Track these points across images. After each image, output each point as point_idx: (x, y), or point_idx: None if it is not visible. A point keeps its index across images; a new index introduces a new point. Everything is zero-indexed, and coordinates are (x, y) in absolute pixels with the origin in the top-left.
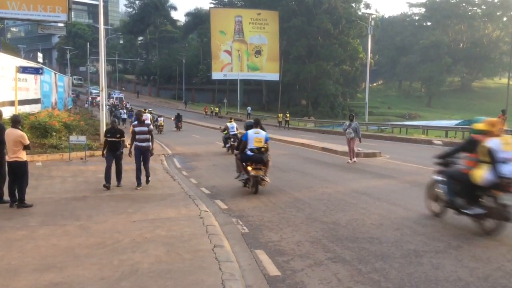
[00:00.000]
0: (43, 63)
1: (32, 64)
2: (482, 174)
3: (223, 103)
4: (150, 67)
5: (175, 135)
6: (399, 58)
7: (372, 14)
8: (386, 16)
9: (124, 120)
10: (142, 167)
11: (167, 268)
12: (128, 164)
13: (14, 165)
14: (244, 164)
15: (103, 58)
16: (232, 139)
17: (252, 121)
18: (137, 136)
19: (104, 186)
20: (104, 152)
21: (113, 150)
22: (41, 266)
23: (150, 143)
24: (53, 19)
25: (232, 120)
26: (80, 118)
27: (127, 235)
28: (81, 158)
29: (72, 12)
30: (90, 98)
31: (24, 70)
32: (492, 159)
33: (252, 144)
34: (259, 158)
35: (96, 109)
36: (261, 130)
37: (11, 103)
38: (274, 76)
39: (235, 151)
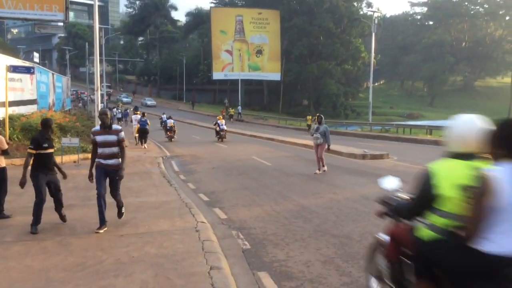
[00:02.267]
0: (43, 64)
1: (23, 63)
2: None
3: (224, 103)
4: (150, 67)
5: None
6: (401, 58)
7: (376, 11)
8: (388, 15)
9: (119, 119)
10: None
11: None
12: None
13: None
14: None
15: (97, 56)
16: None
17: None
18: (99, 150)
19: (31, 232)
20: (27, 174)
21: (45, 169)
22: None
23: (120, 160)
24: (50, 18)
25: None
26: (77, 119)
27: (112, 253)
28: (74, 162)
29: (72, 13)
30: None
31: (14, 69)
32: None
33: (168, 124)
34: (171, 129)
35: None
36: (171, 119)
37: (3, 104)
38: (276, 76)
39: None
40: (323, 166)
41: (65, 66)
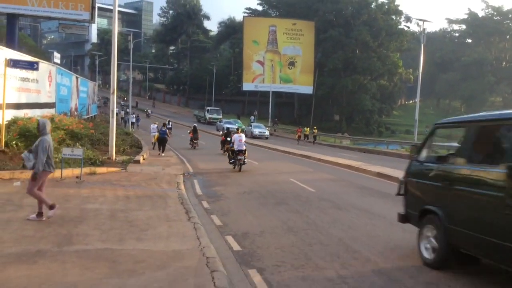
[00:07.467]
0: (75, 70)
1: (25, 57)
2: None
3: (253, 115)
4: (180, 76)
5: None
6: (438, 75)
7: (425, 20)
8: (425, 31)
9: (132, 124)
10: None
11: None
12: None
13: None
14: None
15: (115, 56)
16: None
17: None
18: None
19: None
20: None
21: None
22: None
23: None
24: (75, 17)
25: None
26: (94, 126)
27: None
28: (77, 177)
29: (105, 20)
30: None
31: (15, 64)
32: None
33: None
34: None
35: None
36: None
37: (15, 106)
38: (307, 89)
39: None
40: (42, 210)
41: (96, 72)
